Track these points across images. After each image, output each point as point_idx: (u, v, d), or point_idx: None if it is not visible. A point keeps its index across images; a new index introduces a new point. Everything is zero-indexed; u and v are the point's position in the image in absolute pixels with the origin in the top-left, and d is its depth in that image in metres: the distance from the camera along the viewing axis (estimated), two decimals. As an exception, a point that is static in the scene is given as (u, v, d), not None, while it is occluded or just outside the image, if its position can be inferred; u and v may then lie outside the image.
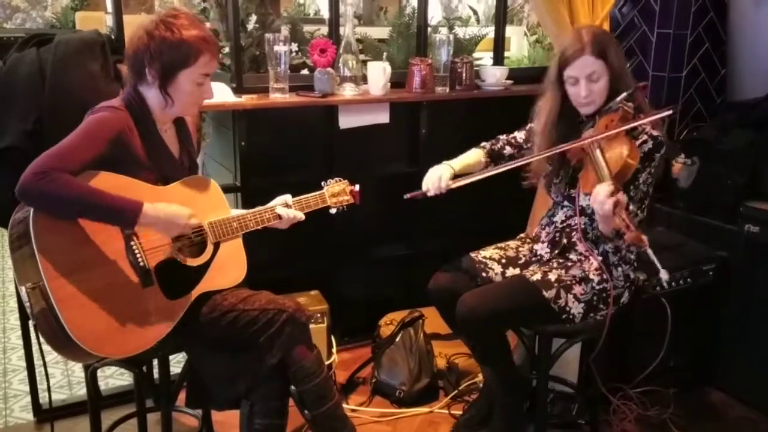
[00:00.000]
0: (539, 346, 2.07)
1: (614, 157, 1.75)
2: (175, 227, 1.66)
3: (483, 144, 2.21)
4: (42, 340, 1.60)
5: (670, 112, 1.81)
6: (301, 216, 1.93)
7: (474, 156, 2.16)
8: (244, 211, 1.88)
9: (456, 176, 2.04)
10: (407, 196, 2.04)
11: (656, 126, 1.89)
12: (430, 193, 2.02)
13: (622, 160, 1.72)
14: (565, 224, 2.05)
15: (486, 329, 1.96)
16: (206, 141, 2.78)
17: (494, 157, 2.18)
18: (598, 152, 1.77)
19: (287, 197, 1.95)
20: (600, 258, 1.96)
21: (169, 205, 1.65)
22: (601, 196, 1.65)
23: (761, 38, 2.86)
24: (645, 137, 1.87)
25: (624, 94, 1.85)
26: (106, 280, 1.59)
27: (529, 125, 2.18)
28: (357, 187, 2.07)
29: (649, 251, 1.64)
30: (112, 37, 2.16)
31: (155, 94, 1.70)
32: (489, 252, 2.13)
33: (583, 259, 1.99)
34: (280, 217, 1.89)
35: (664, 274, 1.62)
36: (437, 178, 2.01)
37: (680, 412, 2.42)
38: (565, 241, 2.03)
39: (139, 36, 1.66)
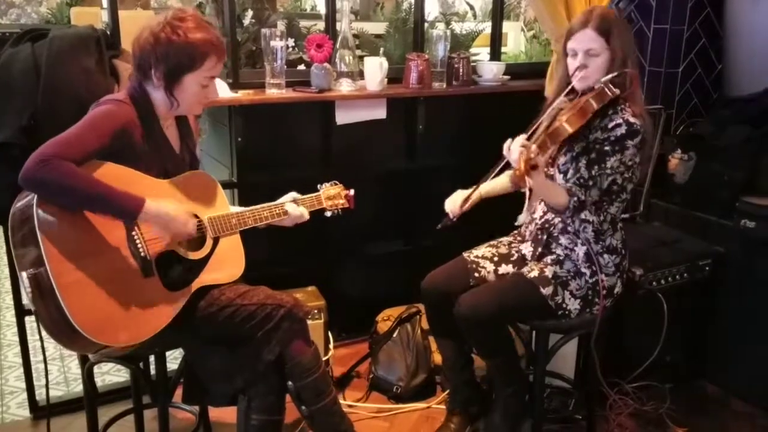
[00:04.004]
0: (536, 342, 2.07)
1: (557, 121, 1.79)
2: (174, 227, 1.65)
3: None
4: (43, 332, 1.60)
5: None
6: (306, 216, 1.94)
7: (502, 177, 2.14)
8: (250, 209, 1.88)
9: (486, 200, 2.11)
10: (438, 227, 2.03)
11: (639, 114, 1.87)
12: (453, 216, 2.05)
13: (560, 121, 1.76)
14: (543, 220, 2.05)
15: (486, 327, 1.96)
16: (203, 137, 2.77)
17: None
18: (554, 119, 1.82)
19: (294, 194, 1.95)
20: (584, 248, 1.97)
21: (171, 205, 1.65)
22: (514, 149, 1.71)
23: (758, 34, 2.86)
24: (619, 121, 1.85)
25: (609, 76, 1.85)
26: (107, 267, 1.59)
27: None
28: (352, 192, 2.08)
29: (526, 192, 1.80)
30: (108, 32, 2.15)
31: (160, 94, 1.71)
32: (481, 251, 2.13)
33: (569, 251, 2.00)
34: (287, 213, 1.89)
35: (520, 218, 1.94)
36: (450, 202, 2.08)
37: (676, 407, 2.42)
38: (545, 237, 2.03)
39: (145, 38, 1.65)
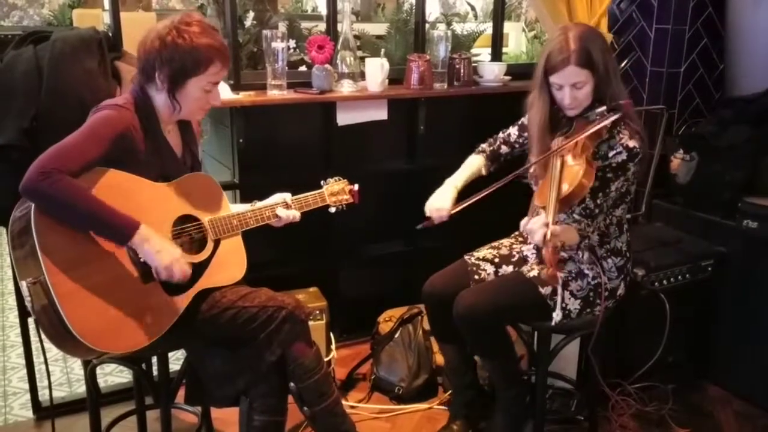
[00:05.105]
0: (538, 343, 2.07)
1: (569, 178, 1.75)
2: (159, 260, 1.60)
3: (481, 147, 2.21)
4: (43, 336, 1.60)
5: (616, 117, 1.81)
6: (298, 217, 1.93)
7: (475, 164, 2.16)
8: (244, 208, 1.88)
9: (462, 192, 2.07)
10: (419, 226, 2.02)
11: (635, 136, 1.86)
12: (436, 222, 2.03)
13: (574, 185, 1.73)
14: None
15: (484, 326, 1.96)
16: (204, 138, 2.78)
17: (493, 159, 2.19)
18: (558, 164, 1.78)
19: (287, 196, 1.95)
20: (587, 253, 1.96)
21: (164, 242, 1.62)
22: (536, 232, 1.68)
23: (759, 34, 2.86)
24: (619, 149, 1.85)
25: (604, 107, 1.83)
26: (107, 275, 1.59)
27: (521, 120, 2.18)
28: (356, 187, 2.07)
29: (559, 290, 1.79)
30: (110, 34, 2.16)
31: (163, 98, 1.71)
32: (483, 253, 2.13)
33: (572, 254, 1.99)
34: (278, 216, 1.90)
35: (556, 316, 1.88)
36: (437, 209, 2.02)
37: (679, 408, 2.42)
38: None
39: (151, 40, 1.66)
